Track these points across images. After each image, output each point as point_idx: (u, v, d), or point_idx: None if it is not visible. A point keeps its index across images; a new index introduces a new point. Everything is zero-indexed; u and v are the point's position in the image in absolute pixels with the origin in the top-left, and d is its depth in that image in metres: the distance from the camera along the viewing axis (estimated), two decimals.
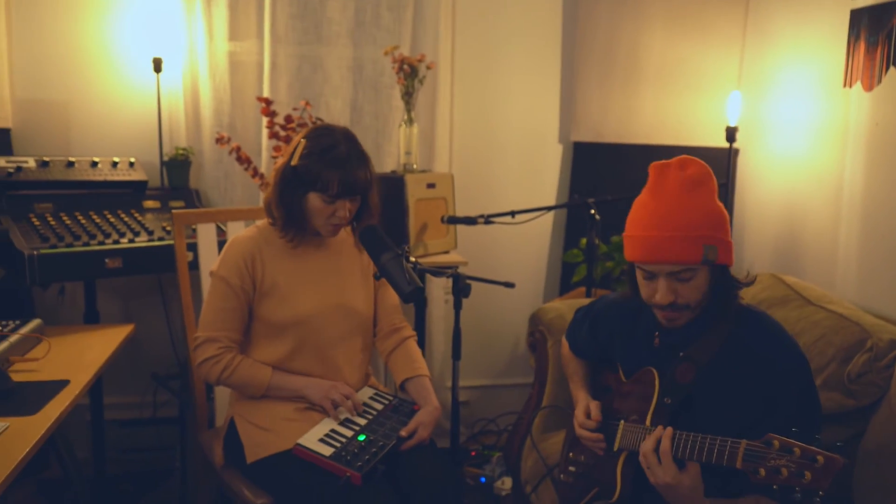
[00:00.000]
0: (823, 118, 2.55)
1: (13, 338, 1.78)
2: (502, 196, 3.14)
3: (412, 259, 1.82)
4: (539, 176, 3.22)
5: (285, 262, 1.88)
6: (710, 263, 1.45)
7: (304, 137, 1.79)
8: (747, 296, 2.27)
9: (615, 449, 1.62)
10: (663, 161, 1.51)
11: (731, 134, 2.68)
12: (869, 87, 2.32)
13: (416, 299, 1.73)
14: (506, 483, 2.70)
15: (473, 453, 2.97)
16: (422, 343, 2.82)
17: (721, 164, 2.75)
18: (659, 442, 1.41)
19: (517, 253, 3.22)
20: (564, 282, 3.18)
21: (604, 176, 3.08)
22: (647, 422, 1.54)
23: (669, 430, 1.41)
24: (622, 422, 1.63)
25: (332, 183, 1.75)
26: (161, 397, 2.85)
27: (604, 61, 3.09)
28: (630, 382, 1.67)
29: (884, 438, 1.69)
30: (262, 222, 1.93)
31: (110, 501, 2.56)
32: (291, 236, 1.85)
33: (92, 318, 2.56)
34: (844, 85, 2.42)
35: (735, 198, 3.04)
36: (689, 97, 3.08)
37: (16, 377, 1.64)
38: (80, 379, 1.66)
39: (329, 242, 1.95)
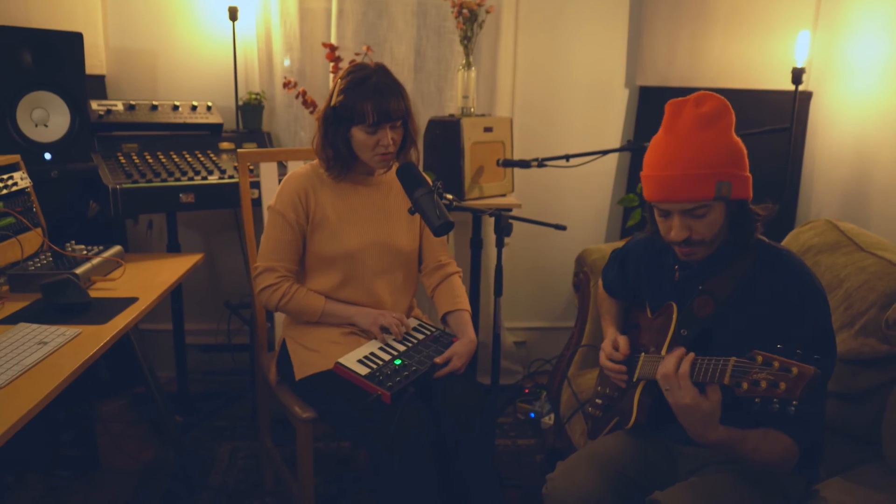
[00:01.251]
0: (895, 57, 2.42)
1: (95, 260, 2.01)
2: (566, 140, 3.16)
3: (448, 196, 1.91)
4: (604, 121, 3.20)
5: (336, 198, 2.00)
6: (725, 199, 1.46)
7: (340, 79, 1.90)
8: (799, 240, 2.24)
9: (634, 379, 1.68)
10: (680, 98, 1.51)
11: (797, 75, 2.58)
12: None
13: (445, 233, 1.81)
14: (551, 418, 2.79)
15: (527, 391, 3.07)
16: (477, 285, 2.94)
17: (787, 107, 2.65)
18: (679, 363, 1.42)
19: (579, 197, 3.24)
20: (624, 226, 3.18)
21: None
22: (664, 352, 1.59)
23: (691, 354, 1.41)
24: (643, 354, 1.68)
25: (368, 112, 1.85)
26: (235, 325, 3.10)
27: (672, 3, 3.01)
28: (655, 317, 1.71)
29: None
30: (316, 161, 2.06)
31: (191, 416, 2.83)
32: (337, 173, 1.97)
33: (173, 249, 2.80)
34: None
35: (805, 144, 2.93)
36: (760, 38, 2.97)
37: (94, 294, 1.87)
38: (147, 297, 1.87)
39: (379, 181, 2.06)
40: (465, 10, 2.69)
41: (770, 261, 1.53)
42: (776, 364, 1.25)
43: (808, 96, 2.93)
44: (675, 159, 1.46)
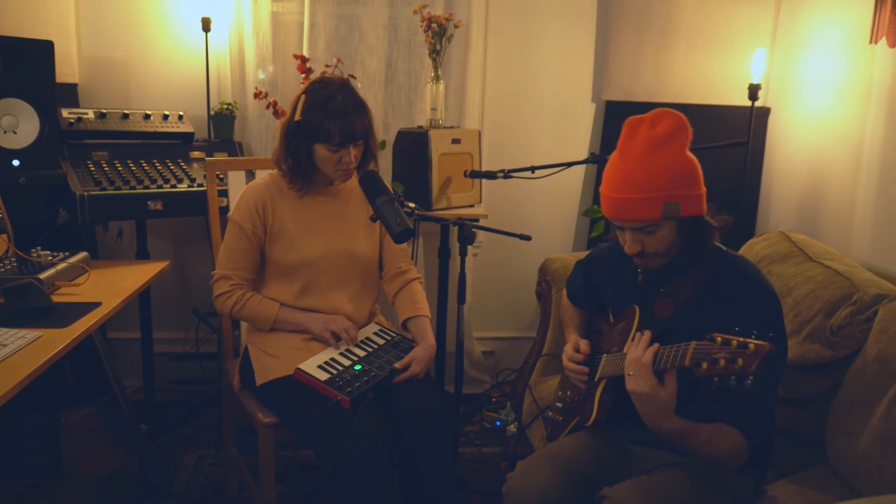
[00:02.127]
0: (849, 75, 2.51)
1: (60, 266, 2.02)
2: (533, 153, 3.21)
3: (410, 205, 1.95)
4: (571, 134, 3.27)
5: (294, 208, 2.04)
6: (673, 218, 1.52)
7: (303, 92, 1.93)
8: (753, 250, 2.31)
9: (596, 378, 1.72)
10: (638, 116, 1.57)
11: (753, 92, 2.66)
12: (893, 43, 2.28)
13: (405, 240, 1.85)
14: (516, 426, 2.83)
15: (494, 399, 3.11)
16: (445, 294, 2.97)
17: (745, 122, 2.73)
18: (644, 350, 1.47)
19: (546, 209, 3.30)
20: (589, 236, 3.24)
21: None
22: (625, 350, 1.63)
23: (656, 345, 1.46)
24: (605, 354, 1.72)
25: (334, 133, 1.89)
26: (204, 333, 3.11)
27: (638, 20, 3.09)
28: (617, 321, 1.75)
29: (854, 388, 1.72)
30: (275, 171, 2.10)
31: (158, 424, 2.83)
32: (299, 186, 2.01)
33: (142, 257, 2.82)
34: (870, 41, 2.38)
35: (764, 158, 3.02)
36: (721, 56, 3.06)
37: (57, 299, 1.88)
38: (111, 302, 1.89)
39: (338, 190, 2.10)
40: (433, 25, 2.75)
41: (726, 265, 1.60)
42: (734, 342, 1.31)
43: (766, 112, 3.02)
44: (624, 183, 1.52)
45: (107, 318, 1.82)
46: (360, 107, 1.93)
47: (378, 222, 1.98)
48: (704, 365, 1.34)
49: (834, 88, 2.58)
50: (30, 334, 1.60)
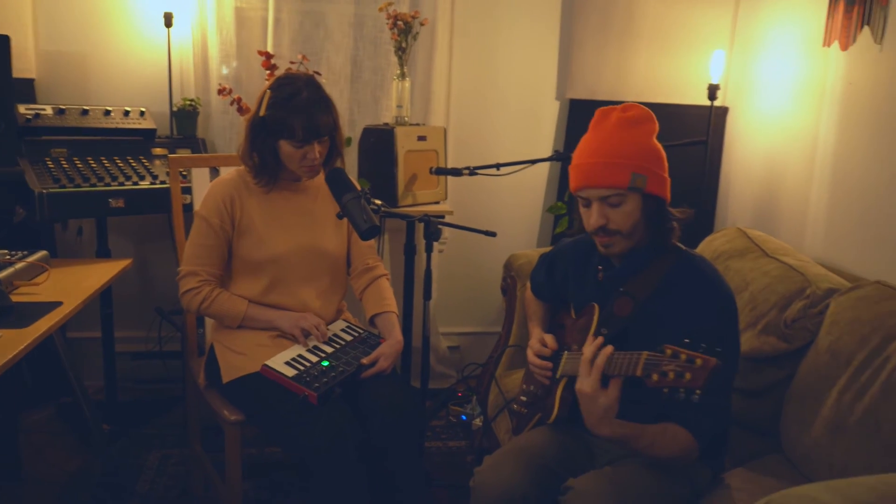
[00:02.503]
0: (803, 77, 2.58)
1: (18, 265, 1.99)
2: (498, 150, 3.24)
3: (376, 202, 1.96)
4: (535, 132, 3.31)
5: (262, 204, 2.03)
6: (639, 191, 1.55)
7: (269, 88, 1.93)
8: (711, 246, 2.37)
9: (557, 376, 1.75)
10: (610, 106, 1.62)
11: (712, 92, 2.73)
12: (845, 47, 2.36)
13: (372, 237, 1.86)
14: (481, 420, 2.86)
15: (459, 394, 3.13)
16: (410, 290, 2.99)
17: (704, 121, 2.80)
18: (596, 353, 1.49)
19: (511, 206, 3.33)
20: (553, 233, 3.28)
21: None
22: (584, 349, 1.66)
23: (610, 348, 1.48)
24: (566, 352, 1.75)
25: (298, 129, 1.89)
26: (167, 332, 3.07)
27: (601, 20, 3.13)
28: (578, 318, 1.79)
29: (807, 378, 1.79)
30: (243, 167, 2.09)
31: (120, 424, 2.80)
32: (265, 182, 2.00)
33: (103, 255, 2.77)
34: (824, 44, 2.46)
35: (722, 156, 3.09)
36: (681, 56, 3.12)
37: (17, 298, 1.84)
38: (71, 302, 1.86)
39: (306, 187, 2.10)
40: (399, 23, 2.76)
41: (685, 266, 1.63)
42: (683, 356, 1.34)
43: (724, 111, 3.09)
44: (596, 150, 1.57)
45: (68, 317, 1.79)
46: (325, 103, 1.93)
47: (345, 219, 2.00)
48: (655, 377, 1.37)
49: (789, 89, 2.66)
50: None
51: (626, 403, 1.49)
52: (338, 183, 1.93)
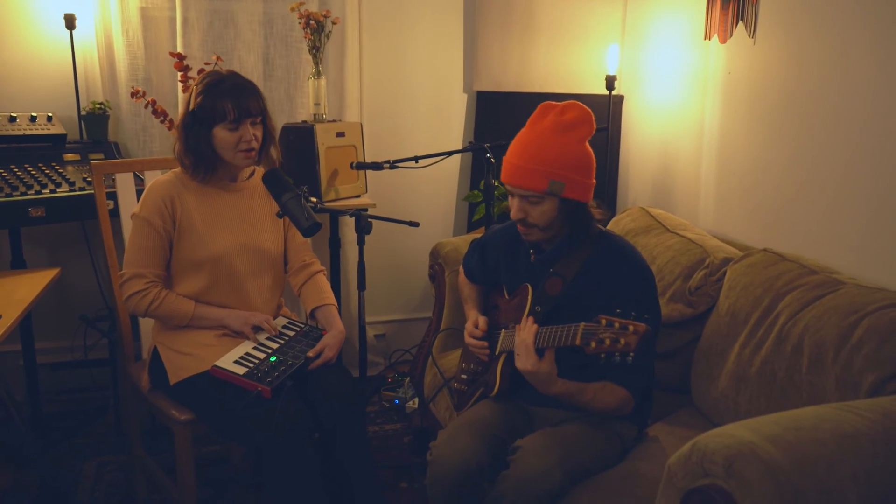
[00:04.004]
0: (689, 67, 2.85)
1: None
2: (412, 143, 3.36)
3: (312, 199, 2.04)
4: (446, 124, 3.45)
5: (201, 204, 2.07)
6: (556, 195, 1.72)
7: (195, 84, 1.98)
8: (619, 225, 2.59)
9: (497, 353, 1.91)
10: (552, 102, 1.76)
11: (610, 82, 2.96)
12: (723, 40, 2.62)
13: (314, 234, 1.94)
14: (415, 402, 3.00)
15: (390, 380, 3.25)
16: (337, 282, 3.08)
17: (604, 110, 3.03)
18: (525, 337, 1.68)
19: (426, 196, 3.47)
20: (470, 220, 3.45)
21: (504, 122, 3.32)
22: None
23: (535, 326, 1.68)
24: (503, 330, 1.91)
25: (229, 109, 1.94)
26: (90, 340, 3.02)
27: (502, 16, 3.30)
28: (512, 298, 1.95)
29: (711, 338, 2.03)
30: (179, 168, 2.11)
31: (48, 437, 2.74)
32: (201, 177, 2.04)
33: (18, 266, 2.70)
34: (705, 38, 2.72)
35: (620, 141, 3.35)
36: (578, 49, 3.34)
37: None
38: (10, 314, 1.84)
39: (242, 187, 2.14)
40: (312, 22, 2.82)
41: (607, 246, 1.81)
42: (616, 324, 1.52)
43: (620, 100, 3.34)
44: (522, 152, 1.72)
45: (10, 331, 1.78)
46: (251, 87, 2.00)
47: (283, 218, 2.07)
48: (593, 344, 1.55)
49: (677, 78, 2.93)
50: None
51: (573, 369, 1.70)
52: (276, 183, 2.00)
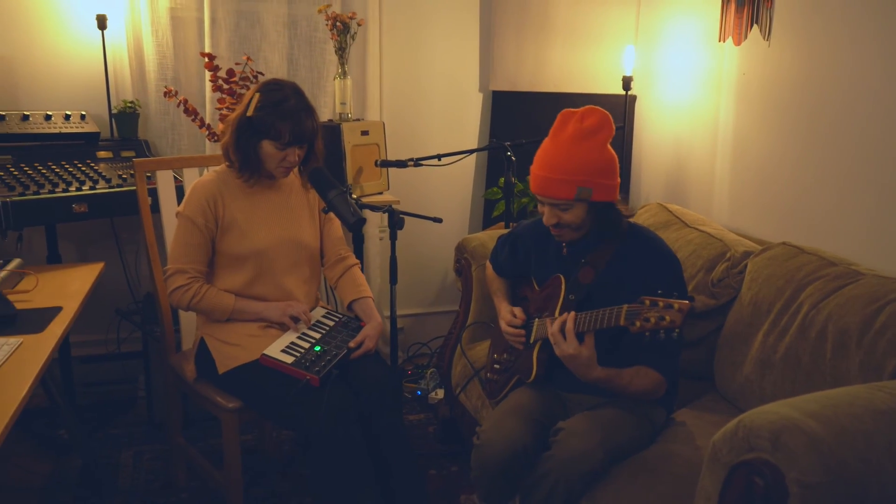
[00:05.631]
0: (703, 68, 2.96)
1: (3, 273, 2.01)
2: (429, 141, 3.46)
3: (353, 196, 2.13)
4: (462, 122, 3.54)
5: (242, 201, 2.15)
6: (585, 201, 1.83)
7: (257, 91, 2.06)
8: (638, 221, 2.69)
9: (531, 341, 2.01)
10: (571, 110, 1.87)
11: (626, 83, 3.07)
12: (738, 42, 2.73)
13: (359, 228, 2.03)
14: (438, 393, 3.09)
15: (410, 371, 3.35)
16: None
17: (619, 109, 3.14)
18: (564, 323, 1.79)
19: (443, 192, 3.56)
20: (486, 217, 3.55)
21: (519, 121, 3.43)
22: (556, 314, 1.93)
23: (573, 313, 1.79)
24: (536, 319, 2.01)
25: (284, 132, 2.03)
26: (114, 334, 3.09)
27: (518, 17, 3.40)
28: (542, 289, 2.05)
29: (735, 327, 2.14)
30: (220, 167, 2.19)
31: (82, 427, 2.81)
32: (247, 177, 2.13)
33: (53, 261, 2.76)
34: (719, 40, 2.83)
35: (634, 139, 3.45)
36: (593, 50, 3.45)
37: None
38: (70, 305, 1.92)
39: (280, 184, 2.23)
40: (338, 24, 2.90)
41: (636, 236, 1.94)
42: (661, 303, 1.63)
43: (633, 99, 3.45)
44: (549, 164, 1.83)
45: (73, 320, 1.86)
46: (310, 111, 2.08)
47: (320, 213, 2.16)
48: (638, 323, 1.65)
49: (691, 79, 3.04)
50: (11, 340, 1.64)
51: (601, 354, 1.80)
52: (321, 180, 2.09)
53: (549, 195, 1.83)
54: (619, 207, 1.92)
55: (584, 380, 1.82)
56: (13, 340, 1.64)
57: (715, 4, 2.84)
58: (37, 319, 1.81)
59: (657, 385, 1.84)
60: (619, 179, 1.88)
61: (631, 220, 2.68)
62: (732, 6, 2.75)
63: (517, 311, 2.08)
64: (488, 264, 2.34)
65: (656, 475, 1.73)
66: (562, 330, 1.79)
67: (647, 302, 1.65)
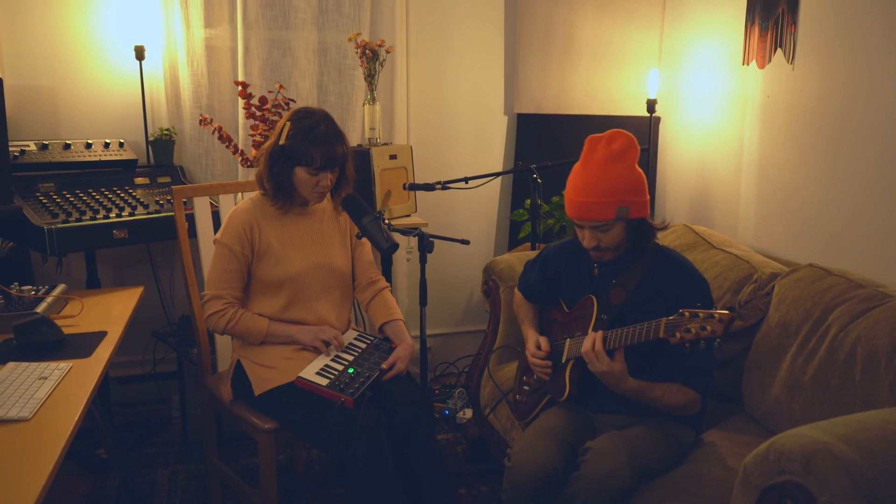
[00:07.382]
0: (726, 91, 2.99)
1: (49, 299, 2.09)
2: (455, 164, 3.52)
3: (386, 221, 2.19)
4: (487, 145, 3.60)
5: (277, 228, 2.22)
6: (624, 219, 1.87)
7: (288, 120, 2.13)
8: (664, 242, 2.72)
9: (563, 360, 2.04)
10: (597, 135, 1.93)
11: (651, 105, 3.11)
12: (762, 66, 2.77)
13: (392, 253, 2.09)
14: (466, 413, 3.12)
15: (437, 391, 3.38)
16: None
17: (643, 131, 3.18)
18: (594, 342, 1.84)
19: (470, 214, 3.62)
20: (512, 238, 3.59)
21: (544, 143, 3.48)
22: (589, 334, 1.96)
23: (600, 332, 1.85)
24: (568, 339, 2.05)
25: (316, 158, 2.10)
26: (149, 355, 3.16)
27: (542, 41, 3.46)
28: (573, 310, 2.09)
29: (763, 348, 2.16)
30: (255, 195, 2.26)
31: (121, 445, 2.88)
32: (281, 204, 2.20)
33: (93, 285, 2.85)
34: (743, 63, 2.87)
35: (658, 160, 3.49)
36: (616, 72, 3.50)
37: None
38: (114, 330, 1.99)
39: (312, 210, 2.30)
40: (368, 51, 2.98)
41: (664, 258, 1.99)
42: (701, 315, 1.67)
43: (657, 121, 3.49)
44: (585, 188, 1.88)
45: (118, 344, 1.93)
46: (340, 136, 2.15)
47: (351, 237, 2.22)
48: (678, 335, 1.69)
49: (715, 101, 3.07)
50: (62, 365, 1.71)
51: (636, 372, 1.85)
52: (355, 207, 2.16)
53: (589, 218, 1.89)
54: (652, 222, 1.98)
55: (617, 391, 1.87)
56: (63, 365, 1.71)
57: (738, 29, 2.88)
58: (84, 344, 1.88)
59: (691, 401, 1.88)
60: (649, 196, 1.94)
61: (657, 241, 2.75)
62: (756, 30, 2.79)
63: (543, 341, 2.12)
64: (517, 291, 2.38)
65: (686, 496, 1.75)
66: (592, 349, 1.84)
67: (687, 314, 1.69)
